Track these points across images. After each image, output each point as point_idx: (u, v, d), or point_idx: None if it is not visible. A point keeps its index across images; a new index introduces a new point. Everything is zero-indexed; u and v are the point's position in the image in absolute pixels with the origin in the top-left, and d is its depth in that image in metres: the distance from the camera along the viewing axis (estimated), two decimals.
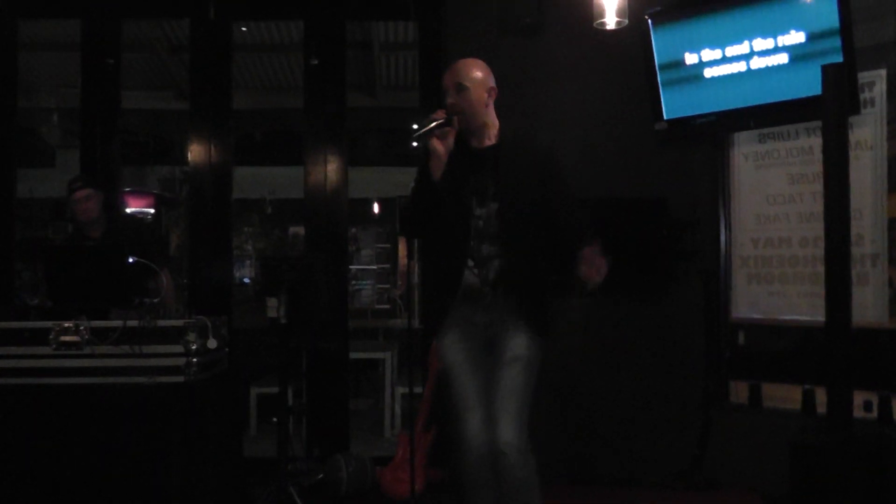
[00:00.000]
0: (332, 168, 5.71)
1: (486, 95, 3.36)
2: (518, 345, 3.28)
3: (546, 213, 3.34)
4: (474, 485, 3.30)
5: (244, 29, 7.98)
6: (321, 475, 5.09)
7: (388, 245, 12.12)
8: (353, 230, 11.42)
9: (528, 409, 3.26)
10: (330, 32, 5.76)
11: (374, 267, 11.76)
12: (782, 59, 4.50)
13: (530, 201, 3.32)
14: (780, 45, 4.51)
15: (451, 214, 3.31)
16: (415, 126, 3.25)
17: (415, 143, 3.23)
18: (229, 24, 5.87)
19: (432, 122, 3.23)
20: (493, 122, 3.42)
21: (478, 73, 3.35)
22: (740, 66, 4.66)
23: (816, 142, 4.60)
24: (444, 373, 3.40)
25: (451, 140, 3.27)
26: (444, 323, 3.39)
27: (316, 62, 5.73)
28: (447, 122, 3.24)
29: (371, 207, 12.81)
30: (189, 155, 5.79)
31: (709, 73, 4.79)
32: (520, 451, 3.18)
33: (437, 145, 3.23)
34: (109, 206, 5.10)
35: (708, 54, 4.77)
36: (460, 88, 3.31)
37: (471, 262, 3.31)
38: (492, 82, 3.40)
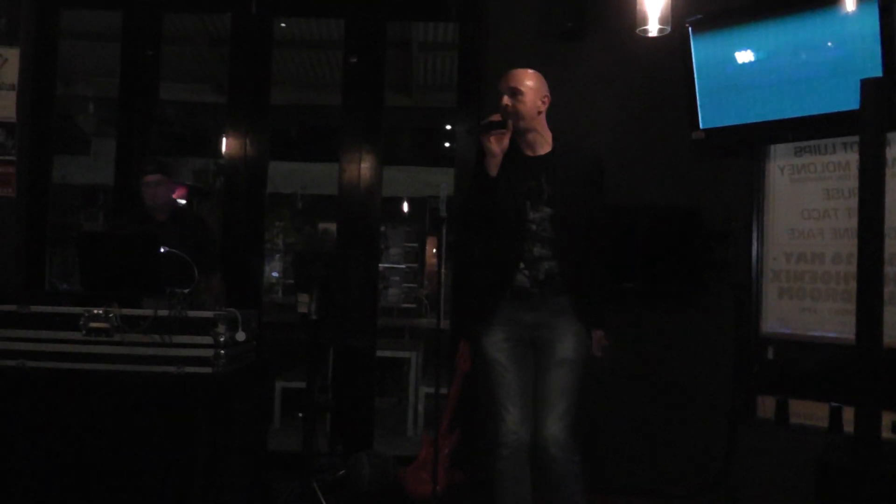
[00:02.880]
0: (366, 166, 5.73)
1: (539, 103, 3.57)
2: (567, 347, 3.47)
3: (590, 217, 3.55)
4: (506, 479, 3.50)
5: (283, 25, 8.01)
6: (343, 471, 5.11)
7: (415, 244, 12.14)
8: (382, 228, 11.45)
9: (575, 409, 3.46)
10: (370, 31, 5.79)
11: (403, 265, 11.78)
12: (822, 71, 4.47)
13: (580, 207, 3.51)
14: (820, 57, 4.47)
15: (506, 217, 3.50)
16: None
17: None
18: (270, 19, 5.91)
19: (488, 121, 3.47)
20: (544, 130, 3.61)
21: (533, 81, 3.57)
22: (779, 78, 4.63)
23: (853, 157, 4.55)
24: (484, 368, 3.60)
25: (506, 141, 3.48)
26: (491, 321, 3.56)
27: (355, 60, 5.75)
28: (502, 124, 3.46)
29: (401, 206, 12.83)
30: (225, 148, 5.83)
31: (747, 83, 4.76)
32: (564, 448, 3.38)
33: (492, 144, 3.45)
34: (193, 192, 5.17)
35: (747, 64, 4.75)
36: (515, 93, 3.52)
37: (522, 264, 3.49)
38: (546, 91, 3.61)
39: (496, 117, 3.47)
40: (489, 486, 3.56)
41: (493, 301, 3.55)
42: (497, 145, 3.45)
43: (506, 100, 3.51)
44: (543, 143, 3.59)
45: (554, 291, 3.49)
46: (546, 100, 3.59)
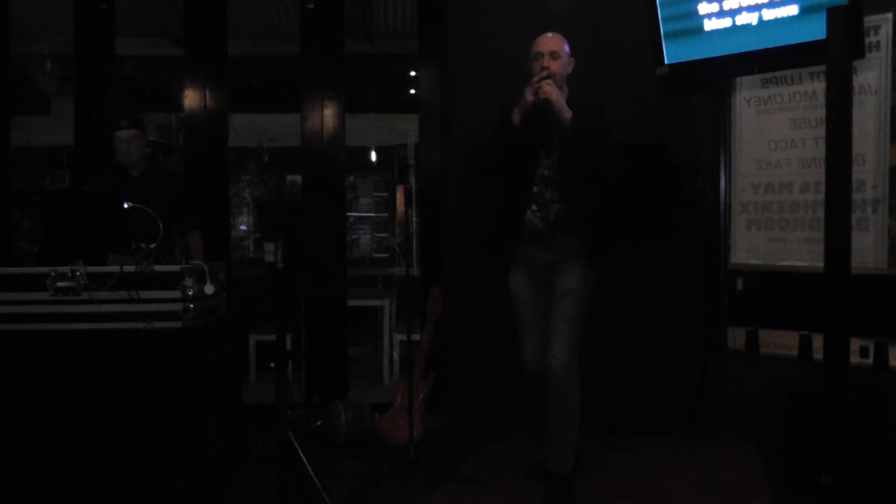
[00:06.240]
0: (329, 114, 5.66)
1: (568, 66, 4.01)
2: (572, 280, 3.91)
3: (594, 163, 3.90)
4: (534, 391, 4.09)
5: None
6: (320, 422, 5.11)
7: (385, 194, 12.06)
8: (352, 178, 11.36)
9: (579, 334, 3.91)
10: None
11: (373, 214, 11.73)
12: (787, 2, 4.45)
13: (591, 156, 3.85)
14: None
15: (521, 163, 3.94)
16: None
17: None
18: None
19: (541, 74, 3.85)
20: (565, 88, 3.99)
21: (566, 47, 3.99)
22: (744, 10, 4.60)
23: (820, 86, 4.56)
24: (510, 302, 4.08)
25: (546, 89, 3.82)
26: (512, 261, 4.05)
27: (312, 7, 5.64)
28: (549, 75, 3.85)
29: (369, 156, 12.73)
30: (184, 102, 5.72)
31: (711, 16, 4.73)
32: (567, 368, 3.85)
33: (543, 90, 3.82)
34: (156, 148, 5.03)
35: None
36: (555, 56, 3.93)
37: (534, 206, 3.93)
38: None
39: (544, 73, 3.85)
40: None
41: (512, 243, 4.01)
42: (532, 94, 3.81)
43: (547, 61, 3.89)
44: (563, 97, 3.91)
45: (564, 232, 3.91)
46: (572, 62, 4.03)
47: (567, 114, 3.82)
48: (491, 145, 4.00)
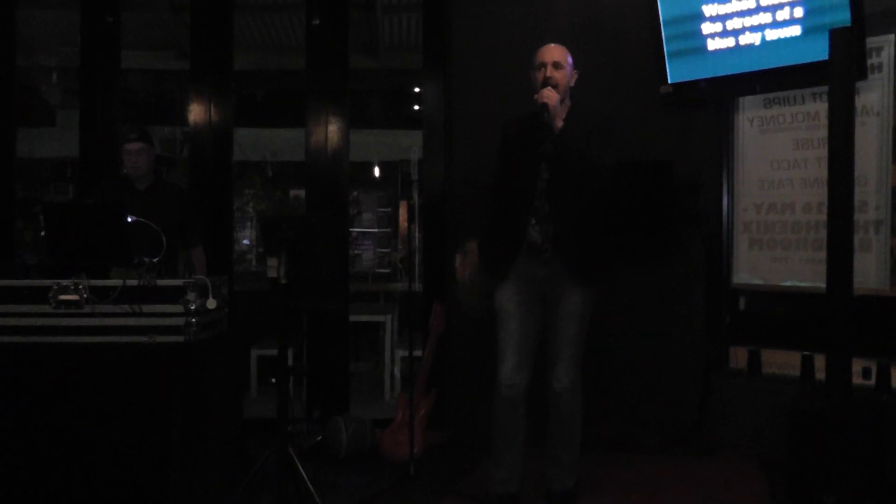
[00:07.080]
0: (333, 129, 5.67)
1: (571, 79, 3.91)
2: (573, 301, 3.83)
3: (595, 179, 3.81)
4: (499, 419, 3.89)
5: None
6: (321, 437, 5.11)
7: (388, 209, 12.06)
8: (355, 193, 11.37)
9: (581, 355, 3.88)
10: None
11: (375, 230, 11.72)
12: (790, 23, 4.46)
13: (584, 169, 3.74)
14: (788, 8, 4.46)
15: (522, 175, 3.85)
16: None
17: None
18: None
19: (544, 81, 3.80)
20: (567, 101, 3.89)
21: (569, 58, 3.90)
22: (747, 30, 4.62)
23: (822, 107, 4.57)
24: (495, 315, 3.94)
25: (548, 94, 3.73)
26: (507, 274, 3.90)
27: (318, 22, 5.67)
28: (552, 84, 3.77)
29: (372, 171, 12.75)
30: (189, 115, 5.74)
31: (714, 36, 4.74)
32: (571, 391, 3.84)
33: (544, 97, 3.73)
34: (159, 161, 5.05)
35: (714, 17, 4.73)
36: (558, 66, 3.83)
37: (533, 220, 3.83)
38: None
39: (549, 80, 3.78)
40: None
41: (510, 255, 3.88)
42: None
43: (549, 71, 3.81)
44: (564, 110, 3.83)
45: (564, 248, 3.80)
46: (575, 76, 3.93)
47: (559, 124, 3.72)
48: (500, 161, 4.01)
